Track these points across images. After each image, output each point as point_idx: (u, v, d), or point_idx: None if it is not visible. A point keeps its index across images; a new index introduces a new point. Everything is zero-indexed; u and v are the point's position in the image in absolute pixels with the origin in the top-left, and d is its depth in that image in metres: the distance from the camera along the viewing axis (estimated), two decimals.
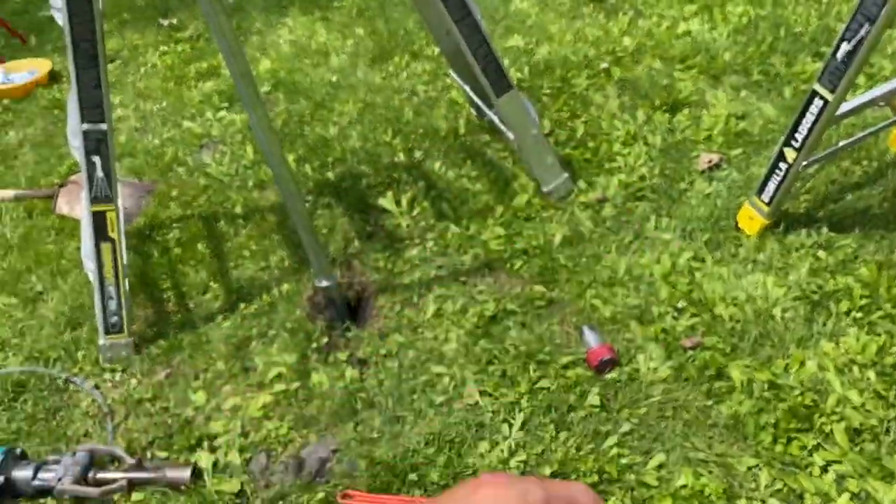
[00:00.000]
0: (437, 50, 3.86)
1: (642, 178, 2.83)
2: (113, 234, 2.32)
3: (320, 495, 1.94)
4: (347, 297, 2.59)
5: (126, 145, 3.53)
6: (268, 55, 4.11)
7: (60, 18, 2.09)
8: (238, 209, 3.04)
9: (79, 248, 2.95)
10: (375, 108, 3.51)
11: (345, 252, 2.75)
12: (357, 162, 3.19)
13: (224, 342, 2.45)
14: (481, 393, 2.16)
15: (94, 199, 2.26)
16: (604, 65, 3.50)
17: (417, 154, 3.16)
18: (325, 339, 2.41)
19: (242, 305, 2.59)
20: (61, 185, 3.28)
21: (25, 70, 4.32)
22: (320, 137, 3.37)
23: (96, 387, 2.39)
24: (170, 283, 2.74)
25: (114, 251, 2.34)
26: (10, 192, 3.33)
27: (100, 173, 2.24)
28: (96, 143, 2.21)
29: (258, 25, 4.46)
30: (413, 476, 1.94)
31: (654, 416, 2.02)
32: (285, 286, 2.62)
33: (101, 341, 2.43)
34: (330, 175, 3.13)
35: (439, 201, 2.87)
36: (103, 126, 2.20)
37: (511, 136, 2.69)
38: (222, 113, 3.67)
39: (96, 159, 2.22)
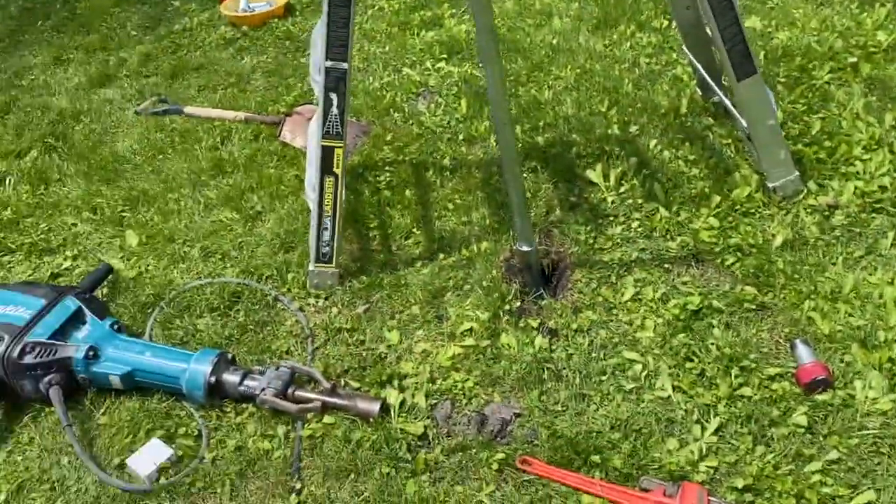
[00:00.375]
0: (664, 22, 3.70)
1: (883, 188, 2.57)
2: (337, 170, 2.42)
3: (500, 455, 1.96)
4: (542, 264, 2.57)
5: None
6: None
7: None
8: (446, 161, 3.09)
9: (297, 176, 3.14)
10: (594, 75, 3.43)
11: (546, 219, 2.73)
12: (568, 129, 3.14)
13: (421, 288, 2.52)
14: (675, 388, 2.08)
15: (325, 134, 2.37)
16: (851, 59, 3.19)
17: (633, 129, 3.06)
18: (518, 303, 2.41)
19: (442, 256, 2.64)
20: (287, 115, 3.48)
21: (264, 0, 4.60)
22: (534, 100, 3.34)
23: (301, 309, 2.54)
24: (377, 223, 2.85)
25: (335, 185, 2.45)
26: (241, 115, 3.58)
27: (335, 110, 2.34)
28: (336, 81, 2.31)
29: None
30: (596, 458, 1.91)
31: (867, 450, 1.85)
32: (484, 244, 2.64)
33: (310, 267, 2.58)
34: (539, 139, 3.10)
35: (650, 181, 2.77)
36: (344, 65, 2.29)
37: (744, 123, 2.52)
38: (441, 64, 3.73)
39: (333, 96, 2.32)
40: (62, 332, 2.30)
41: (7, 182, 3.39)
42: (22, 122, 3.84)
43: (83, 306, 2.37)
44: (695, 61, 2.91)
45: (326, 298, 2.57)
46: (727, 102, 2.70)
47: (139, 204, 3.13)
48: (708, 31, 2.73)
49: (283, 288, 2.63)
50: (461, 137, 3.21)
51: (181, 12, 4.83)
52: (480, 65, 3.67)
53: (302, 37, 4.24)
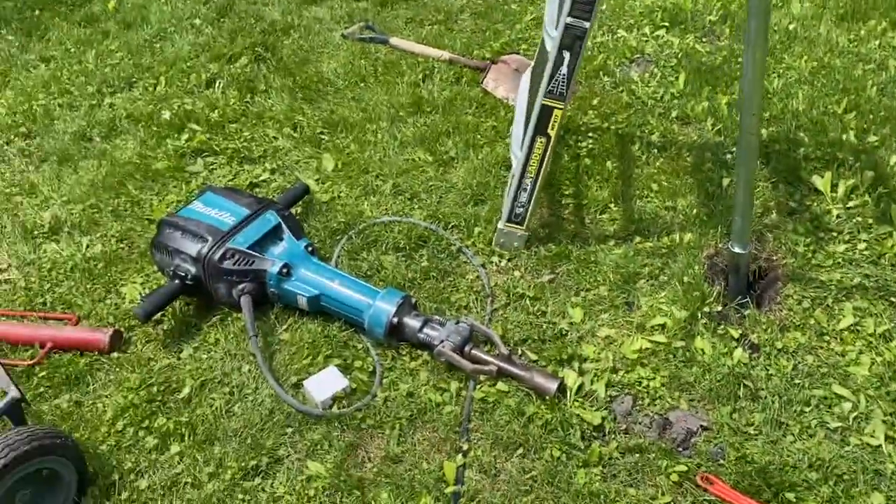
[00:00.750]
0: None
1: None
2: (551, 132, 2.31)
3: (681, 468, 1.84)
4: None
5: None
6: None
7: None
8: (654, 137, 2.92)
9: (494, 127, 3.06)
10: (832, 71, 3.11)
11: (759, 221, 2.52)
12: (796, 126, 2.87)
13: (613, 269, 2.40)
14: (888, 438, 1.87)
15: (548, 93, 2.26)
16: None
17: (872, 138, 2.76)
18: (719, 308, 2.25)
19: (638, 239, 2.50)
20: (493, 62, 3.39)
21: None
22: None
23: (483, 266, 2.49)
24: (572, 191, 2.73)
25: (545, 147, 2.35)
26: (445, 54, 3.53)
27: (564, 70, 2.22)
28: (573, 39, 2.18)
29: None
30: (790, 495, 1.76)
31: None
32: (687, 235, 2.48)
33: (499, 225, 2.51)
34: (763, 132, 2.85)
35: (886, 201, 2.49)
36: (587, 24, 2.15)
37: None
38: (660, 32, 3.50)
39: (566, 55, 2.20)
40: (260, 245, 2.35)
41: (217, 85, 3.52)
42: (236, 28, 3.96)
43: (282, 223, 2.42)
44: None
45: (510, 260, 2.50)
46: None
47: (338, 129, 3.16)
48: None
49: (468, 241, 2.58)
50: (674, 115, 3.01)
51: None
52: (709, 38, 3.42)
53: None
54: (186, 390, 2.15)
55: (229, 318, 2.35)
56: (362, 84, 3.45)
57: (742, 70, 1.90)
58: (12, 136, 3.31)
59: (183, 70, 3.65)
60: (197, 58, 3.75)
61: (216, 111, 3.31)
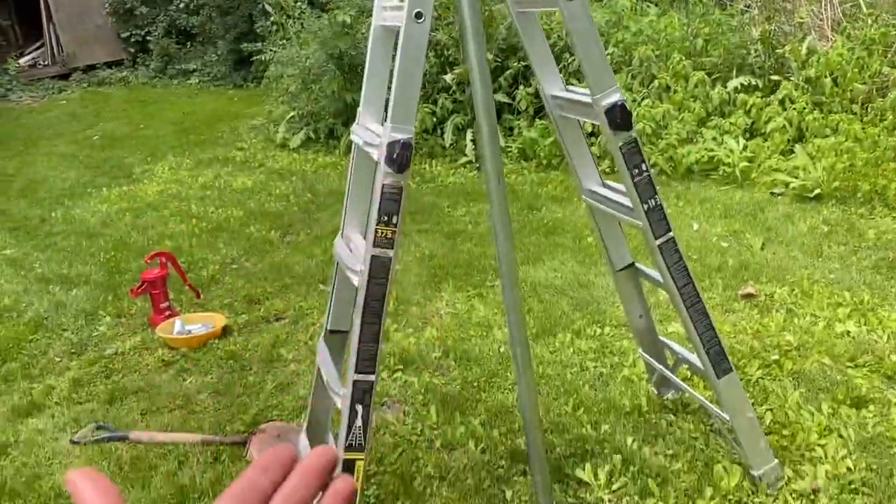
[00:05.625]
0: (598, 329, 4.09)
1: (849, 470, 2.82)
2: (357, 483, 2.36)
3: None
4: None
5: None
6: (432, 324, 4.38)
7: (356, 279, 2.34)
8: (430, 469, 3.07)
9: None
10: (550, 380, 3.65)
11: None
12: (544, 431, 3.25)
13: None
14: None
15: (348, 447, 2.34)
16: (773, 357, 3.64)
17: (604, 428, 3.22)
18: None
19: None
20: (252, 433, 3.38)
21: (200, 323, 4.63)
22: (500, 405, 3.47)
23: None
24: None
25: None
26: (197, 437, 3.43)
27: (359, 422, 2.35)
28: (362, 394, 2.35)
29: (418, 298, 4.79)
30: None
31: None
32: None
33: None
34: (520, 442, 3.18)
35: (640, 477, 2.87)
36: (372, 377, 2.35)
37: (726, 416, 2.76)
38: (398, 374, 3.84)
39: (359, 408, 2.34)
40: None
41: None
42: None
43: None
44: (653, 363, 3.21)
45: None
46: (700, 398, 2.96)
47: None
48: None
49: None
50: (439, 444, 3.23)
51: (108, 337, 4.74)
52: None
53: (246, 356, 4.25)
54: None
55: None
56: None
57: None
58: None
59: None
60: None
61: None
